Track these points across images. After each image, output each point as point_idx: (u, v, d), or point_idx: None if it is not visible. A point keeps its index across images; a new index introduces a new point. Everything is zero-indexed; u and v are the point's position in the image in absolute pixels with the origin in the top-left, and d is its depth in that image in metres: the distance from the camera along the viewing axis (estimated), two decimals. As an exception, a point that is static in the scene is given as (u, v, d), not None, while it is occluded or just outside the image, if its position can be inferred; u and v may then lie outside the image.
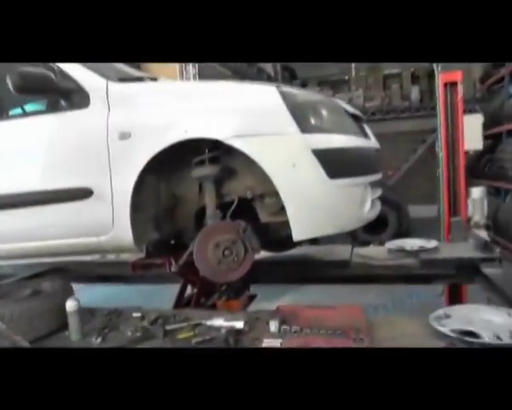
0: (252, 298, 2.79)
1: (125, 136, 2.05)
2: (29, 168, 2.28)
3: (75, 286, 4.66)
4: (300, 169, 1.93)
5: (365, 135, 2.38)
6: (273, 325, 1.87)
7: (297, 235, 1.98)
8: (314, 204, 1.99)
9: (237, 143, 1.97)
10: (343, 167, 2.01)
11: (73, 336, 2.06)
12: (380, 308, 3.94)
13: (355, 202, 2.09)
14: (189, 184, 2.33)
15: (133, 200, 2.10)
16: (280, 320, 1.89)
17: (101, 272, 3.51)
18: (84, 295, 4.65)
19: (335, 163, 1.98)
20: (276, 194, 2.02)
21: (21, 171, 2.31)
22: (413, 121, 9.53)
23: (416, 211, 8.17)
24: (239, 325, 1.94)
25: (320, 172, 1.94)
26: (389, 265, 3.01)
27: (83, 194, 2.14)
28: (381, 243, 3.91)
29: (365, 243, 4.42)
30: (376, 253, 3.24)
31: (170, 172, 2.32)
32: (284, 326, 1.87)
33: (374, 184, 2.35)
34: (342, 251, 3.25)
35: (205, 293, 2.62)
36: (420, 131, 9.28)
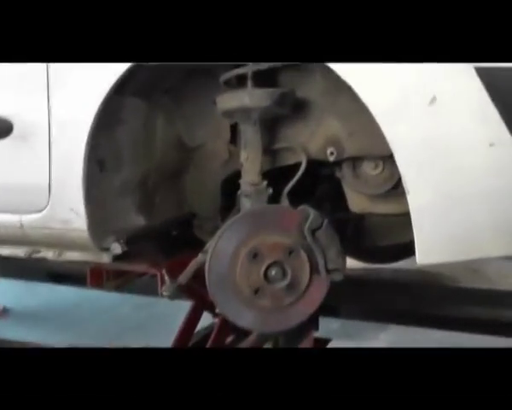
0: (322, 345, 2.50)
1: None
2: None
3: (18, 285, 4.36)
4: (447, 109, 1.47)
5: None
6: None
7: (425, 255, 1.54)
8: (474, 191, 1.50)
9: None
10: None
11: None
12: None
13: None
14: (213, 123, 1.97)
15: (95, 144, 1.72)
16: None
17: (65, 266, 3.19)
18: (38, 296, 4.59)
19: None
20: (386, 158, 1.71)
21: None
22: None
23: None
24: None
25: (492, 117, 1.42)
26: None
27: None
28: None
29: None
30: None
31: (175, 96, 1.97)
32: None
33: None
34: (499, 272, 2.89)
35: (233, 328, 2.29)
36: None
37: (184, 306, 2.48)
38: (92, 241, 1.79)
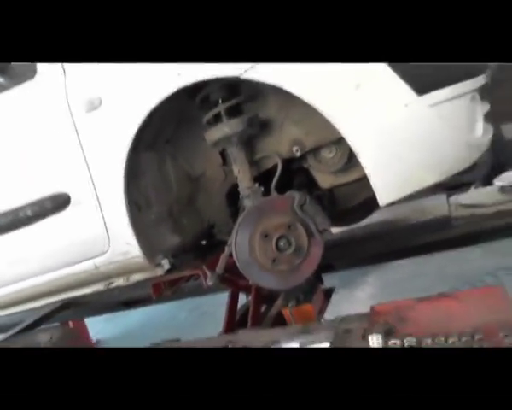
0: (329, 294, 2.59)
1: (93, 104, 1.83)
2: None
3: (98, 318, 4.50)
4: (369, 89, 1.59)
5: None
6: (375, 340, 1.56)
7: (384, 197, 1.68)
8: (402, 141, 1.63)
9: (264, 76, 1.63)
10: (435, 72, 1.61)
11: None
12: (501, 273, 3.55)
13: (461, 124, 1.70)
14: (206, 154, 2.12)
15: (130, 194, 1.88)
16: (384, 331, 1.59)
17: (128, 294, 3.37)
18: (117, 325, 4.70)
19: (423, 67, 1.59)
20: (337, 141, 1.85)
21: None
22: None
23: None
24: (324, 346, 1.66)
25: (401, 86, 1.58)
26: (505, 211, 2.72)
27: (54, 205, 1.96)
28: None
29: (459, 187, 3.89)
30: (484, 197, 2.88)
31: (175, 143, 2.13)
32: (393, 339, 1.55)
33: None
34: (436, 205, 2.90)
35: (264, 299, 2.49)
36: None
37: (222, 301, 2.64)
38: (148, 261, 1.95)
